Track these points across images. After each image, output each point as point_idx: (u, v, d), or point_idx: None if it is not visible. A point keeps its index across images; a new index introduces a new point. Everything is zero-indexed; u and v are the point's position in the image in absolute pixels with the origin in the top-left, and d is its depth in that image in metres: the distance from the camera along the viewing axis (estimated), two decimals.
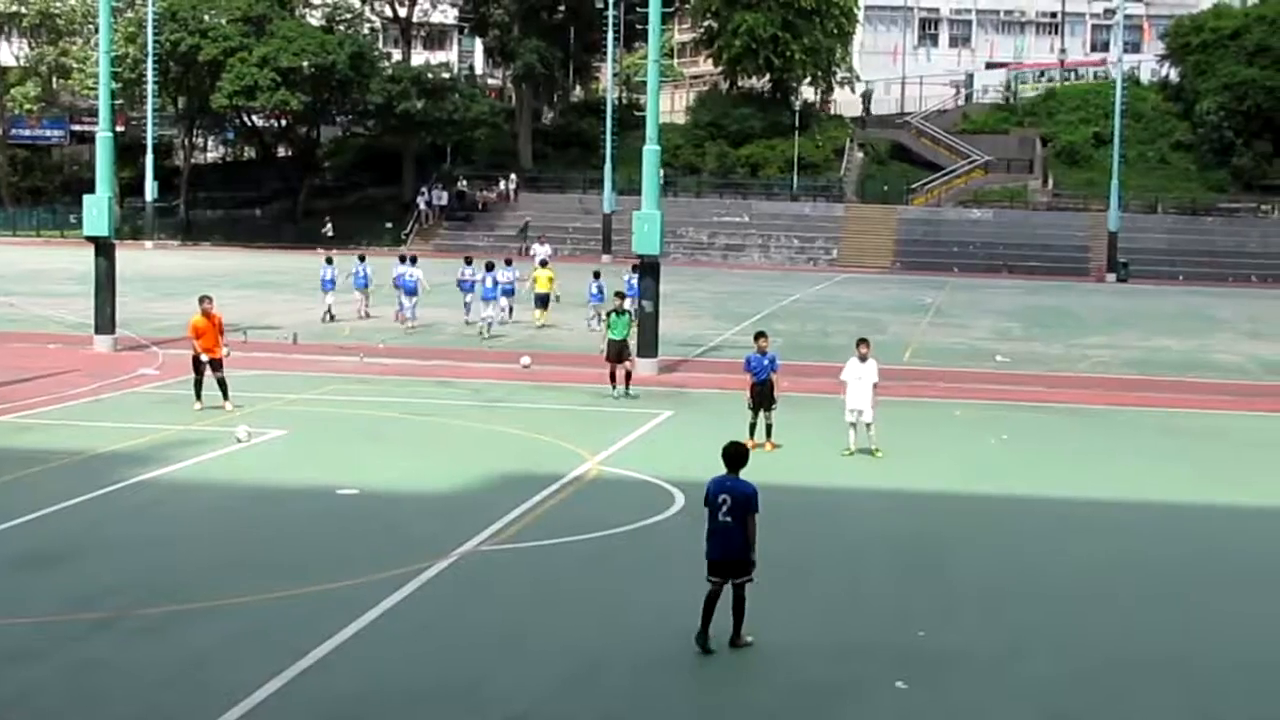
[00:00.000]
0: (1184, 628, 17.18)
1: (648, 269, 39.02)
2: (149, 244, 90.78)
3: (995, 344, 47.49)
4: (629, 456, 26.39)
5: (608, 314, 34.78)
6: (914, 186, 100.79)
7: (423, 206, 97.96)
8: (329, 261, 51.78)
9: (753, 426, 27.28)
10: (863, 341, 27.53)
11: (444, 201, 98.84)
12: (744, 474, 16.02)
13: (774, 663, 15.48)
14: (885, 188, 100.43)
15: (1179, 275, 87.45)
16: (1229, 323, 59.21)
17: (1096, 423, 32.30)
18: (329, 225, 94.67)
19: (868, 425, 26.68)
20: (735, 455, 16.13)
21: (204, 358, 30.12)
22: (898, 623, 16.79)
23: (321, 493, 22.81)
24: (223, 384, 30.20)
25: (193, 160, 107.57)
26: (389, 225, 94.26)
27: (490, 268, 48.10)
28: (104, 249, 41.22)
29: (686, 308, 55.03)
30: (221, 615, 16.38)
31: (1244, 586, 19.11)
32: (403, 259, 51.17)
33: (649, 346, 38.04)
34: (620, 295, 35.19)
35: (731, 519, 15.58)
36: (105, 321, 40.82)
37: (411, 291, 48.71)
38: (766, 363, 27.60)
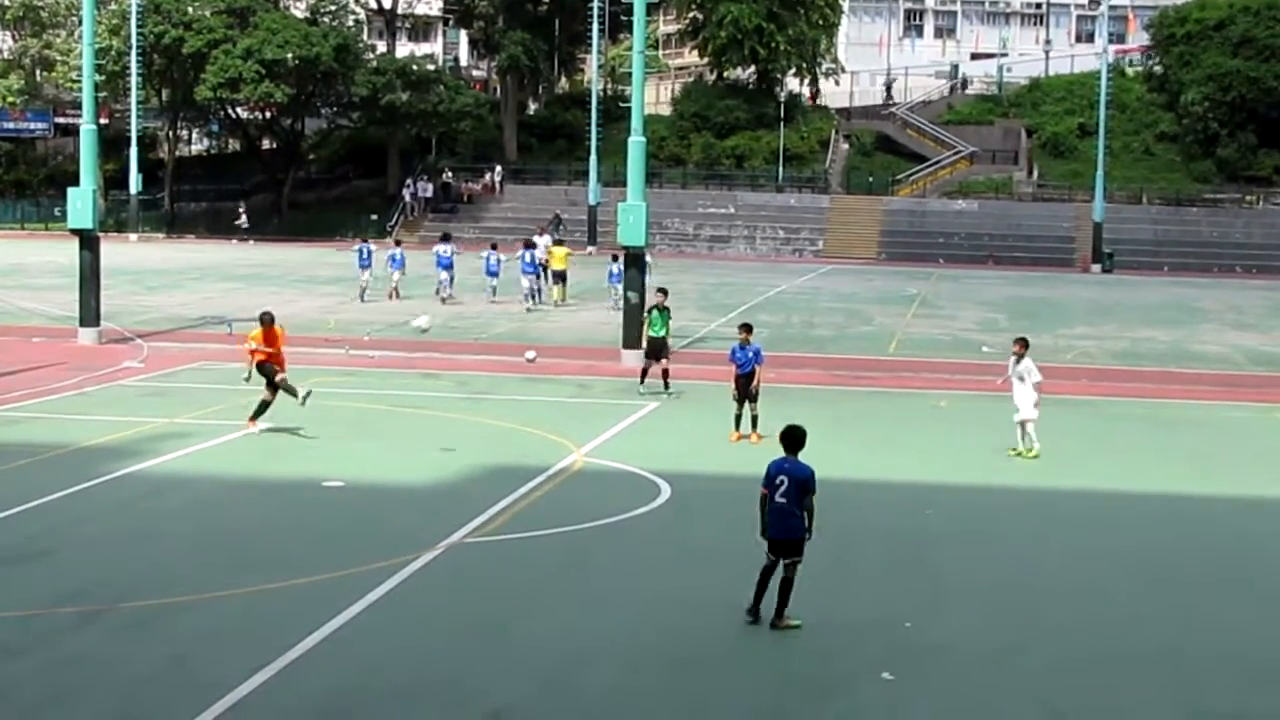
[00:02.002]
0: (1174, 620, 17.20)
1: (632, 260, 39.01)
2: (133, 237, 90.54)
3: (981, 335, 47.48)
4: (615, 448, 26.37)
5: (648, 310, 34.45)
6: (899, 178, 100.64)
7: (408, 199, 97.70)
8: (362, 240, 55.80)
9: (738, 418, 27.33)
10: (1017, 341, 27.42)
11: (429, 193, 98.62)
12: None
13: (760, 654, 15.49)
14: (870, 179, 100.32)
15: (1164, 266, 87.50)
16: (1214, 313, 59.23)
17: (1083, 413, 32.33)
18: (243, 216, 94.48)
19: (1022, 424, 26.63)
20: (792, 437, 16.48)
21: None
22: (885, 614, 16.78)
23: (307, 485, 22.78)
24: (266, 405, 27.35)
25: (177, 153, 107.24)
26: (374, 217, 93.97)
27: (529, 245, 53.54)
28: (88, 242, 41.10)
29: (672, 299, 54.58)
30: (206, 609, 16.34)
31: (1233, 579, 19.14)
32: (443, 238, 56.14)
33: (634, 339, 38.02)
34: (662, 291, 34.72)
35: (786, 500, 15.95)
36: (90, 314, 40.69)
37: (449, 267, 53.05)
38: (751, 354, 27.60)
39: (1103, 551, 20.29)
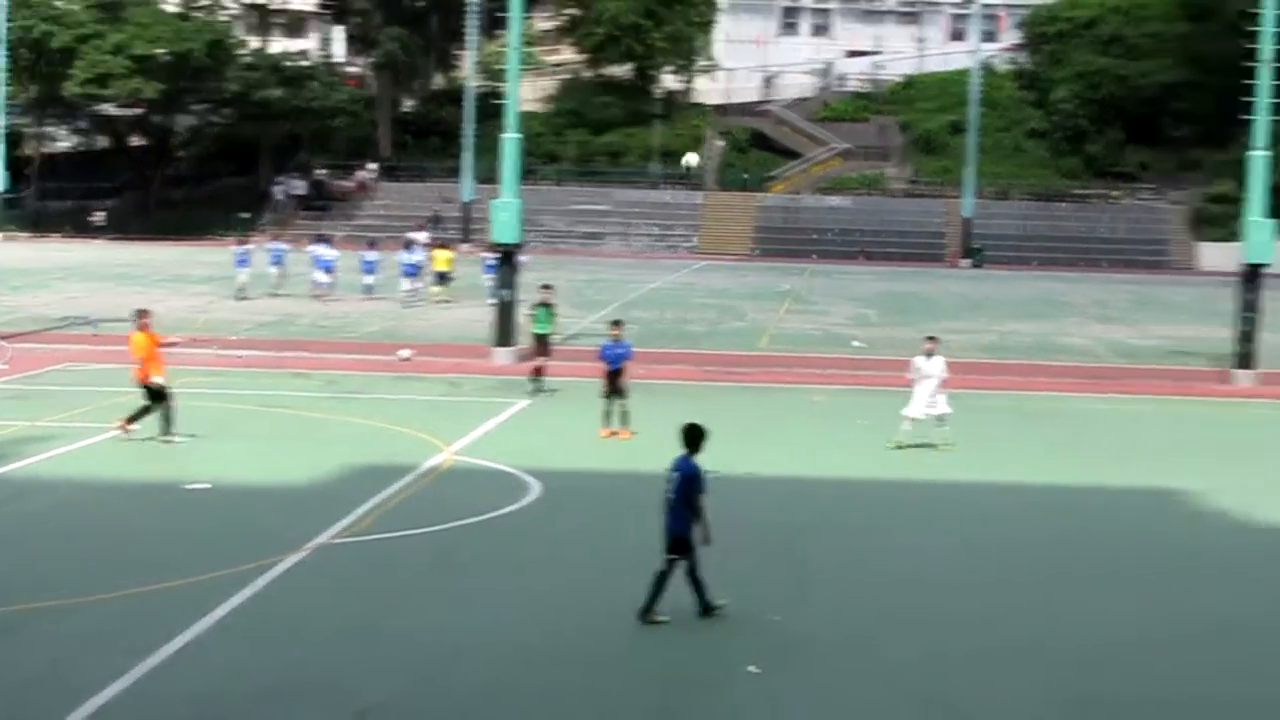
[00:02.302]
0: (1040, 610, 17.48)
1: (505, 258, 39.02)
2: None
3: (852, 330, 47.96)
4: (485, 446, 26.36)
5: (532, 308, 34.50)
6: (774, 174, 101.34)
7: (280, 196, 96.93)
8: (241, 243, 56.12)
9: (607, 414, 27.43)
10: (930, 339, 27.84)
11: (301, 191, 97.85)
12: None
13: (629, 649, 15.57)
14: (745, 176, 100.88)
15: (1032, 261, 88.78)
16: (1079, 307, 60.22)
17: (953, 406, 32.62)
18: (98, 215, 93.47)
19: (939, 419, 27.04)
20: (687, 435, 16.64)
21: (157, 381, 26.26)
22: (755, 607, 16.89)
23: (173, 488, 22.56)
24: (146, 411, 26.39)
25: (44, 150, 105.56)
26: (245, 215, 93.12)
27: (408, 245, 55.96)
28: None
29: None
30: (71, 614, 16.14)
31: (1098, 568, 19.50)
32: (321, 239, 56.97)
33: (506, 336, 38.11)
34: (547, 288, 34.79)
35: (675, 497, 16.18)
36: None
37: (329, 270, 53.66)
38: (620, 351, 27.78)
39: (972, 542, 20.61)
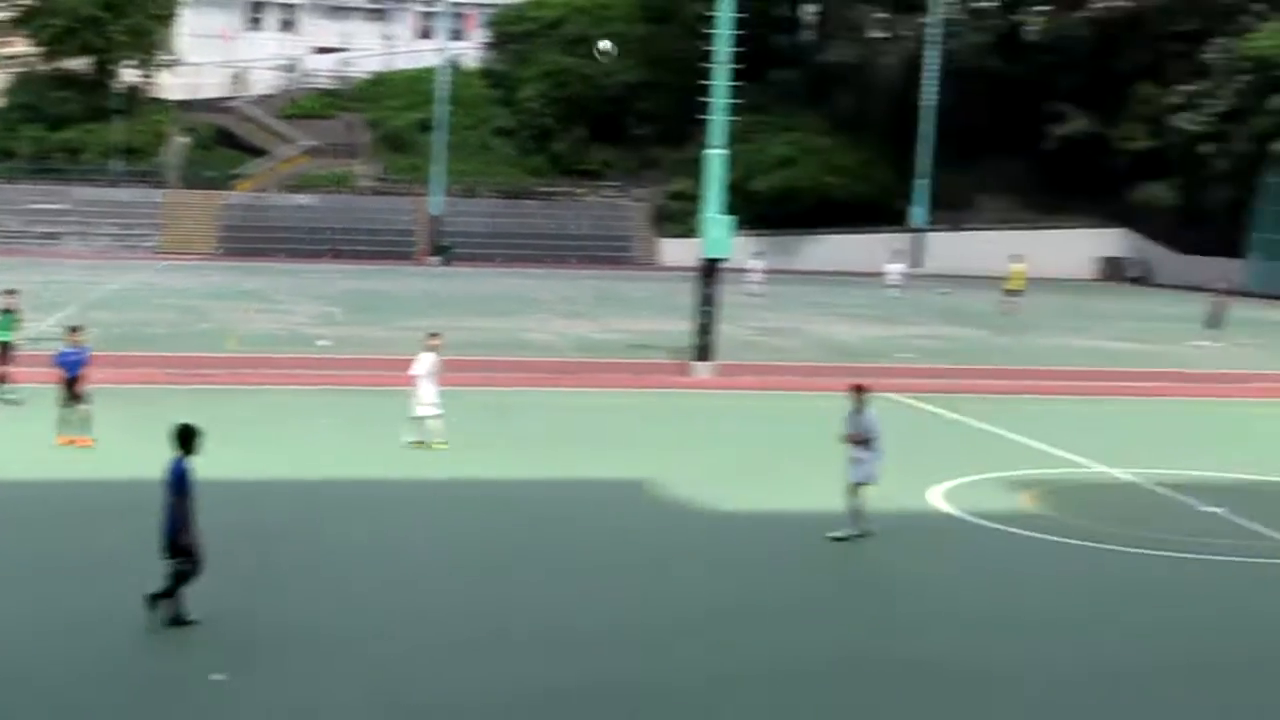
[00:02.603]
0: (513, 601, 17.88)
1: None
2: None
3: (318, 329, 47.81)
4: None
5: None
6: (238, 172, 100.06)
7: None
8: None
9: (65, 421, 26.69)
10: (433, 335, 28.48)
11: None
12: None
13: (94, 660, 15.25)
14: (210, 173, 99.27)
15: (499, 258, 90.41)
16: (545, 303, 61.68)
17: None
18: None
19: (435, 417, 27.20)
20: (177, 435, 16.32)
21: None
22: (219, 611, 16.53)
23: None
24: None
25: None
26: None
27: None
28: None
29: None
30: None
31: (573, 558, 20.20)
32: None
33: None
34: (10, 293, 33.31)
35: (167, 498, 15.93)
36: None
37: None
38: (78, 356, 27.14)
39: (447, 539, 21.03)
